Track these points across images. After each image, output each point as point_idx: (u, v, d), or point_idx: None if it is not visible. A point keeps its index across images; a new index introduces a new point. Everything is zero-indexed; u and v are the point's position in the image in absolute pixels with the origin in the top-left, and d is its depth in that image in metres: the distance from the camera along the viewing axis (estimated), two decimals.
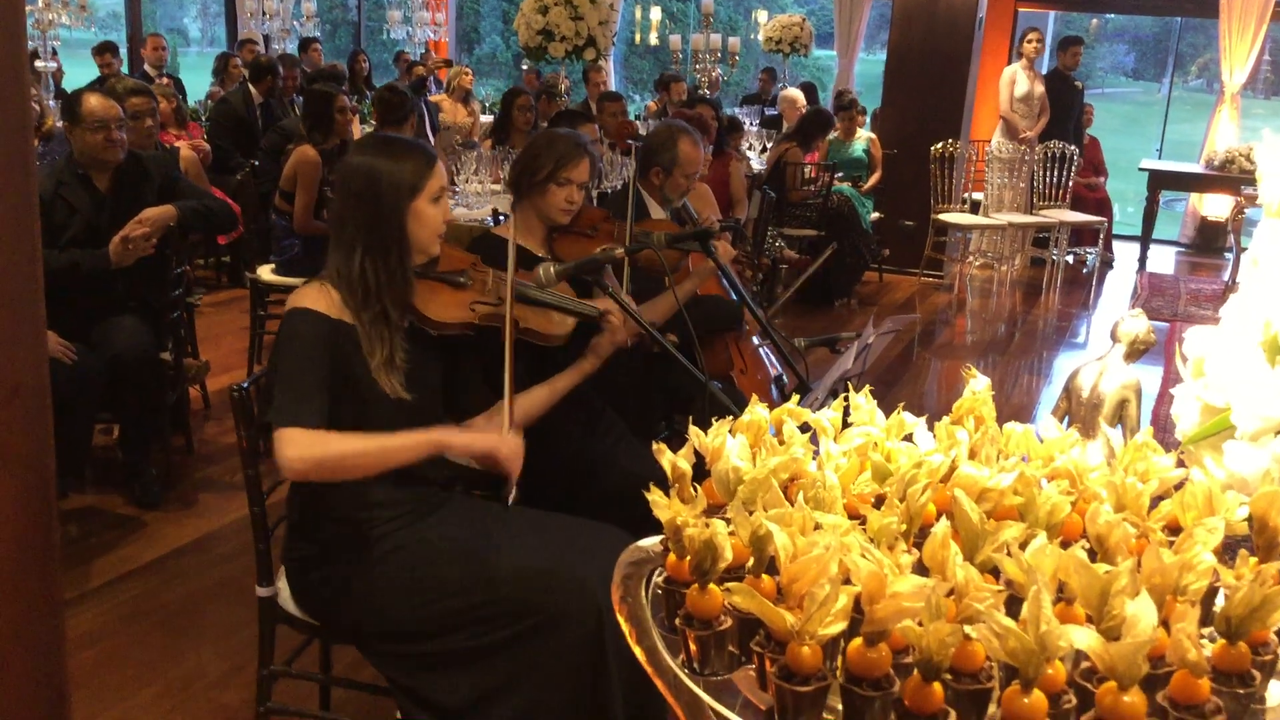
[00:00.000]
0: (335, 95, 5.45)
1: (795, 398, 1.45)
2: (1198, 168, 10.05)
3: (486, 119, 9.84)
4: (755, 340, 4.12)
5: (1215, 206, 10.91)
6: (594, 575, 2.22)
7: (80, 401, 3.70)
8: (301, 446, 2.12)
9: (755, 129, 9.44)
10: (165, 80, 8.89)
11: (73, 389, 3.62)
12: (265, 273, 5.39)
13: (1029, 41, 9.13)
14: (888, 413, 1.41)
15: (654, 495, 1.14)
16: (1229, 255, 9.56)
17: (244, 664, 3.08)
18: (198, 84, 10.44)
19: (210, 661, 3.15)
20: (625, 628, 1.21)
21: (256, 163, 6.30)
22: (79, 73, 9.17)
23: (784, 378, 4.10)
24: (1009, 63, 9.64)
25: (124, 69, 9.48)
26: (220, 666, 3.13)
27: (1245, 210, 8.56)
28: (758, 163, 8.35)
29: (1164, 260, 10.57)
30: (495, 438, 2.30)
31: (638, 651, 1.19)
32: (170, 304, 4.26)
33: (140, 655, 3.17)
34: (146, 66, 9.17)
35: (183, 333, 4.58)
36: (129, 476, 4.14)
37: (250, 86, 8.04)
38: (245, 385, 2.40)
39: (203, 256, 7.46)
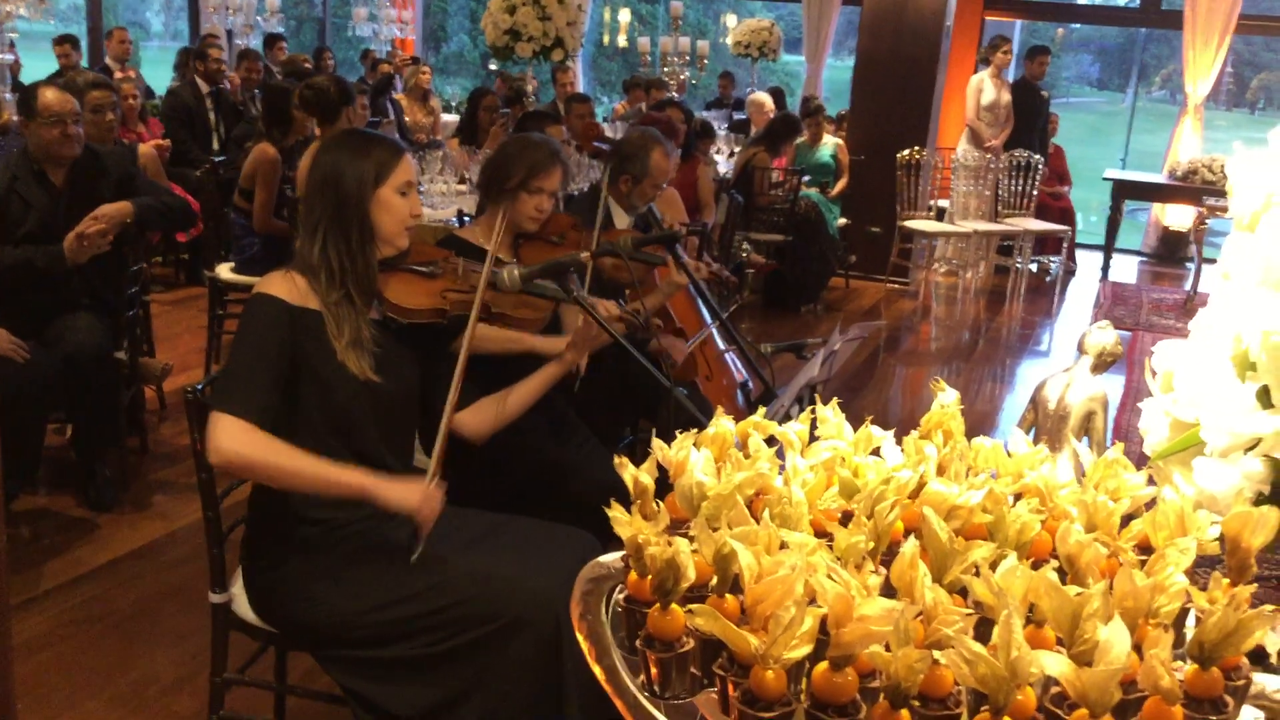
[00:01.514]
0: (292, 91, 5.37)
1: (762, 410, 1.42)
2: (1161, 178, 10.13)
3: (450, 118, 9.77)
4: (721, 346, 4.10)
5: (1178, 216, 11.01)
6: (553, 581, 2.19)
7: (32, 400, 3.62)
8: (237, 440, 2.10)
9: (723, 133, 9.43)
10: (133, 73, 8.76)
11: (25, 388, 3.55)
12: (224, 271, 5.31)
13: (1002, 52, 9.17)
14: (853, 418, 1.38)
15: (615, 511, 1.10)
16: (1191, 265, 9.64)
17: (197, 671, 3.02)
18: (159, 79, 10.31)
19: (163, 668, 3.09)
20: (584, 646, 1.18)
21: (217, 157, 6.22)
22: (37, 66, 9.01)
23: (749, 384, 4.08)
24: (975, 71, 9.68)
25: (84, 62, 9.33)
26: (173, 673, 3.07)
27: (1207, 220, 8.64)
28: (725, 167, 8.34)
29: (1126, 269, 10.65)
30: (418, 495, 2.21)
31: (597, 670, 1.16)
32: (126, 302, 4.18)
33: (91, 661, 3.10)
34: (109, 60, 9.02)
35: (139, 331, 4.49)
36: (82, 478, 4.06)
37: (198, 79, 7.95)
38: (199, 387, 2.35)
39: (161, 254, 7.35)
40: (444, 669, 2.23)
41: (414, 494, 2.20)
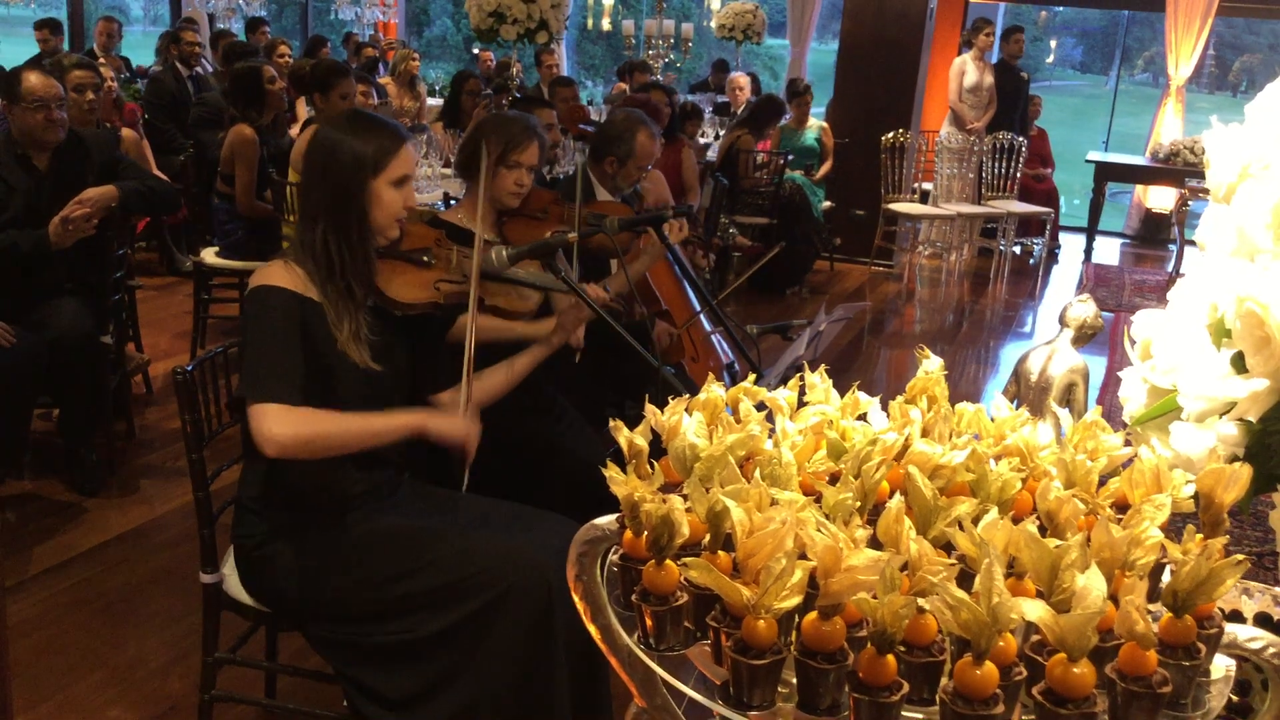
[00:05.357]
0: (261, 68, 5.36)
1: (753, 377, 1.45)
2: (1143, 160, 10.20)
3: (434, 102, 9.75)
4: (707, 327, 4.12)
5: (1160, 199, 11.09)
6: (545, 555, 2.21)
7: (19, 385, 3.63)
8: (286, 423, 2.10)
9: (709, 115, 9.44)
10: (108, 59, 8.70)
11: (11, 372, 3.56)
12: (209, 256, 5.30)
13: (984, 34, 9.20)
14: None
15: (610, 471, 1.13)
16: (1173, 247, 9.72)
17: (188, 652, 3.05)
18: (140, 63, 10.25)
19: (153, 649, 3.11)
20: (580, 606, 1.21)
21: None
22: (19, 50, 8.96)
23: (736, 365, 4.10)
24: (959, 53, 9.72)
25: (65, 45, 9.27)
26: (164, 654, 3.08)
27: (1189, 202, 8.70)
28: (711, 149, 8.35)
29: (1109, 251, 10.72)
30: (462, 426, 2.30)
31: (592, 629, 1.19)
32: (111, 286, 4.18)
33: (81, 643, 3.12)
34: (96, 48, 8.96)
35: (124, 316, 4.49)
36: (69, 462, 4.07)
37: (177, 64, 7.90)
38: (189, 368, 2.37)
39: (145, 240, 7.32)
40: (435, 652, 2.24)
41: (459, 425, 2.30)
